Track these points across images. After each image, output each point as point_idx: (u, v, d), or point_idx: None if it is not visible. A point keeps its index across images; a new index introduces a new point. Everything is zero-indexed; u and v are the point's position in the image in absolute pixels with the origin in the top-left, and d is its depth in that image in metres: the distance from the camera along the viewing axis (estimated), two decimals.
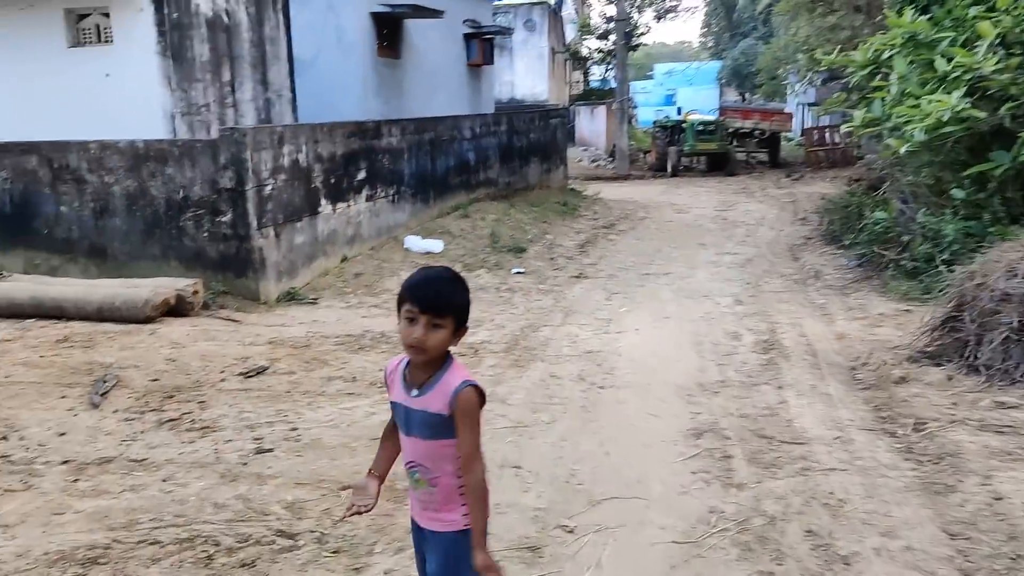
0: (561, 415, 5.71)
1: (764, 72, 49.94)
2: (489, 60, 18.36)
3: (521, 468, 4.81)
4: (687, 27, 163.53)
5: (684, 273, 11.14)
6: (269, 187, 8.26)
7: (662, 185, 24.11)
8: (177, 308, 7.60)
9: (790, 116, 32.60)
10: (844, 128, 10.79)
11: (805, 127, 31.85)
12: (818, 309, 8.85)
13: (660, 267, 11.56)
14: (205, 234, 8.20)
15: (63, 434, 5.23)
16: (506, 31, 18.84)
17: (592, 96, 33.71)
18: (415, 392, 2.40)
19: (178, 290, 7.59)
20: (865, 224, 11.77)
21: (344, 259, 9.69)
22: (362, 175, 10.10)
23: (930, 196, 11.02)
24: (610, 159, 29.05)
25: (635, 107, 37.98)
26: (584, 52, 37.25)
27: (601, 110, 31.20)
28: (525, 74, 29.77)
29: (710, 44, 69.82)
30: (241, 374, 6.26)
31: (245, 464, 4.81)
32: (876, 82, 11.83)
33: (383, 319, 8.20)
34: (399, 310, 2.38)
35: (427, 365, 2.38)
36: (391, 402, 2.52)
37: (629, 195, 21.09)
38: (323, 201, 9.26)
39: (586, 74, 37.44)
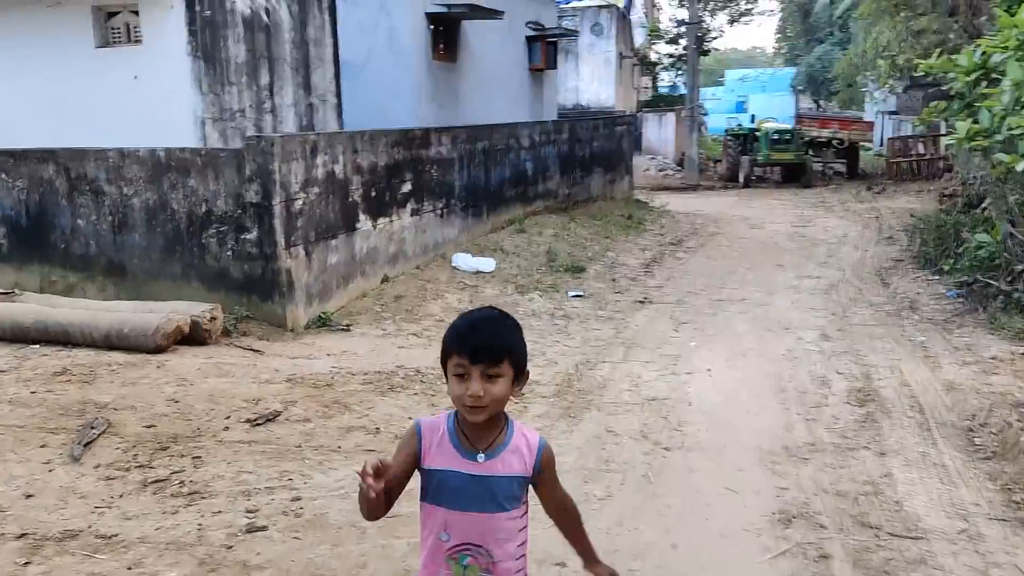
0: (619, 487, 4.74)
1: (841, 79, 48.13)
2: (552, 64, 17.46)
3: (566, 567, 3.86)
4: (760, 32, 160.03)
5: (761, 299, 10.04)
6: (300, 201, 7.47)
7: (733, 197, 22.85)
8: (192, 336, 6.86)
9: (870, 125, 30.97)
10: (946, 141, 9.51)
11: (888, 137, 30.10)
12: (918, 348, 7.68)
13: (734, 291, 10.47)
14: (229, 253, 7.45)
15: (30, 496, 4.47)
16: (571, 34, 17.90)
17: (660, 103, 32.50)
18: (482, 456, 2.10)
19: (193, 316, 6.84)
20: (966, 248, 10.50)
21: (385, 279, 8.87)
22: (407, 187, 9.28)
23: None
24: (679, 168, 27.86)
25: (705, 114, 36.64)
26: (653, 57, 36.08)
27: (670, 117, 30.02)
28: (591, 80, 28.77)
29: (784, 50, 67.81)
30: (249, 421, 5.45)
31: (231, 547, 3.97)
32: (982, 89, 10.55)
33: (421, 351, 7.34)
34: (445, 367, 2.08)
35: (491, 423, 2.10)
36: (432, 470, 2.12)
37: (698, 207, 19.93)
38: (362, 216, 8.46)
39: (655, 80, 36.26)
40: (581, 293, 9.85)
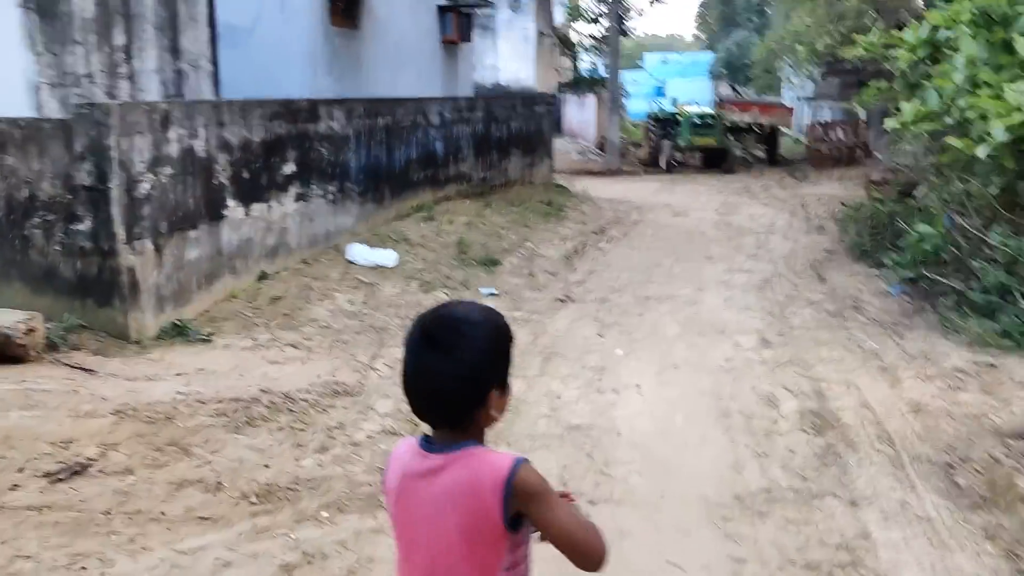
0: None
1: (759, 64, 48.20)
2: (466, 37, 16.22)
3: None
4: (679, 19, 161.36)
5: (691, 296, 9.08)
6: (146, 184, 6.11)
7: (656, 182, 22.03)
8: (3, 353, 5.45)
9: (790, 110, 30.64)
10: (889, 124, 8.66)
11: (807, 122, 29.85)
12: (871, 357, 6.80)
13: (661, 287, 9.49)
14: (58, 247, 6.04)
15: None
16: (486, 4, 16.67)
17: (581, 84, 31.53)
18: None
19: (3, 328, 5.44)
20: (908, 241, 9.76)
21: (262, 277, 7.56)
22: (290, 168, 7.96)
23: (998, 210, 9.00)
24: (600, 152, 26.97)
25: (626, 97, 35.89)
26: (574, 38, 35.09)
27: (591, 99, 29.08)
28: (510, 58, 27.56)
29: (703, 36, 67.96)
30: (48, 475, 4.14)
31: None
32: (926, 69, 9.79)
33: (296, 366, 6.09)
34: None
35: None
36: None
37: (621, 193, 19.01)
38: (231, 202, 7.12)
39: (575, 61, 35.25)
40: (495, 291, 8.72)
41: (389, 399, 5.47)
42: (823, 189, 20.17)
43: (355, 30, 12.46)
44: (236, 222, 7.15)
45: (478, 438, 1.72)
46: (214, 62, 9.21)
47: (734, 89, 54.61)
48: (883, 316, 8.17)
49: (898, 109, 12.18)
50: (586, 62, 35.62)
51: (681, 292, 9.29)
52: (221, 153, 6.96)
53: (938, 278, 8.72)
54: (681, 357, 6.88)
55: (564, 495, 1.77)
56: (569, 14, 31.97)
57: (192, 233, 6.63)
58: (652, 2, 32.47)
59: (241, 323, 6.80)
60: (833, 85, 41.36)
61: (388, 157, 10.16)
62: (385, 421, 5.15)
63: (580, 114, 28.91)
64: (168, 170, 6.31)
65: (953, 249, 9.07)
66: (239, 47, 11.21)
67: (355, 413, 5.28)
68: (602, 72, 29.18)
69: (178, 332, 6.36)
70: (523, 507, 1.65)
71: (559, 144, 26.11)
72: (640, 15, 31.77)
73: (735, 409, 5.65)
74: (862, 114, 28.14)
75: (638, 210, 16.30)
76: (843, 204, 15.11)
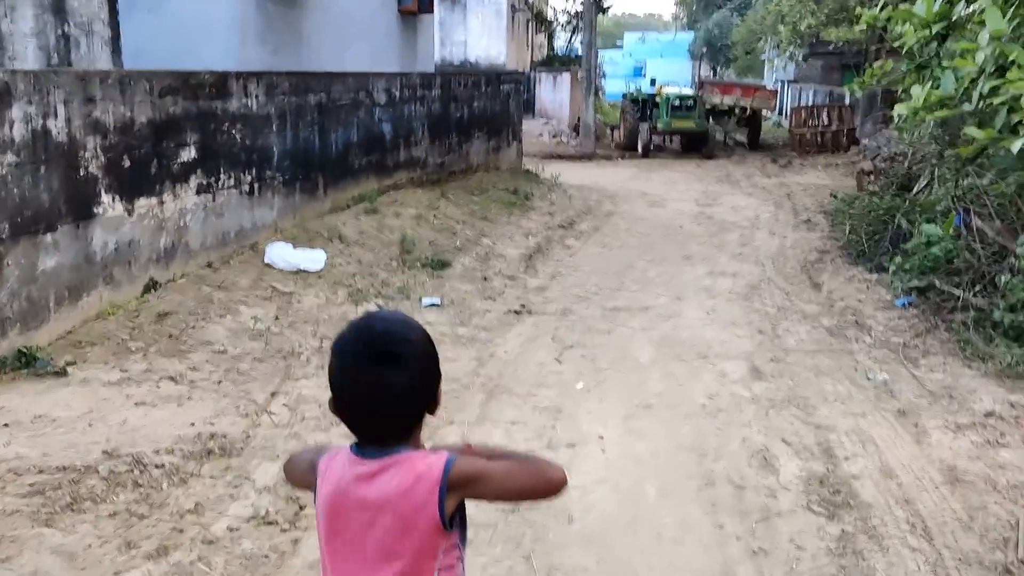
0: None
1: (739, 45, 47.02)
2: (427, 7, 14.82)
3: None
4: None
5: (668, 308, 7.86)
6: None
7: (632, 168, 20.78)
8: None
9: (774, 93, 29.43)
10: (898, 110, 7.36)
11: (791, 106, 28.69)
12: (884, 395, 5.62)
13: (633, 295, 8.26)
14: None
15: None
16: None
17: (555, 63, 30.16)
18: None
19: None
20: (916, 243, 8.59)
21: (151, 287, 6.22)
22: (190, 154, 6.61)
23: (1021, 211, 7.86)
24: (574, 134, 25.64)
25: (603, 77, 34.55)
26: (549, 14, 33.68)
27: (565, 78, 27.71)
28: (480, 33, 26.16)
29: (682, 15, 66.70)
30: None
31: None
32: (937, 48, 8.55)
33: (170, 410, 4.79)
34: None
35: None
36: None
37: (594, 179, 17.74)
38: (106, 198, 5.77)
39: (551, 38, 33.86)
40: (438, 301, 7.43)
41: (276, 462, 4.20)
42: (809, 178, 19.02)
43: None
44: (113, 221, 5.81)
45: (418, 437, 1.73)
46: (113, 26, 7.80)
47: (713, 71, 53.46)
48: (890, 335, 6.99)
49: (904, 93, 10.96)
50: (562, 40, 34.22)
51: (656, 302, 8.06)
52: (91, 136, 5.59)
53: (952, 290, 7.57)
54: (655, 392, 5.65)
55: (466, 447, 1.77)
56: None
57: (48, 237, 5.28)
58: None
59: (112, 348, 5.47)
60: (815, 67, 40.37)
61: (322, 141, 8.81)
62: (262, 500, 3.88)
63: (554, 94, 27.56)
64: (10, 158, 4.95)
65: (968, 255, 7.93)
66: (155, 12, 9.78)
67: (224, 486, 4.00)
68: (578, 51, 27.78)
69: (24, 362, 5.04)
70: (465, 495, 1.65)
71: (530, 126, 24.77)
72: None
73: (722, 474, 4.43)
74: (847, 98, 27.04)
75: (611, 199, 15.04)
76: (833, 196, 13.94)
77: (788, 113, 33.67)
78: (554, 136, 25.31)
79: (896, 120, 8.44)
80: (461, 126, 13.33)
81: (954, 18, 7.83)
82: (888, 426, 5.08)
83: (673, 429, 5.03)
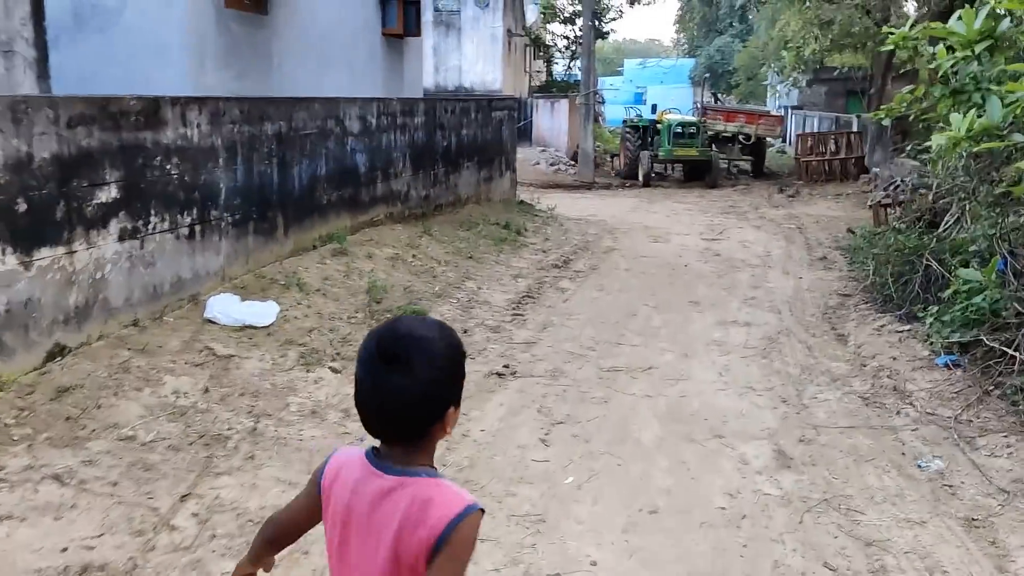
0: None
1: (742, 71, 46.32)
2: (413, 30, 13.90)
3: None
4: (659, 23, 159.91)
5: (674, 367, 6.80)
6: None
7: (633, 198, 19.82)
8: None
9: (779, 119, 28.56)
10: (936, 140, 6.31)
11: (797, 133, 27.78)
12: (943, 493, 4.57)
13: (635, 352, 7.20)
14: None
15: None
16: None
17: (554, 89, 29.32)
18: None
19: None
20: (953, 291, 7.54)
21: (57, 354, 5.18)
22: (111, 194, 5.59)
23: None
24: (572, 163, 24.72)
25: (602, 102, 33.71)
26: (547, 39, 32.91)
27: (563, 104, 26.83)
28: (475, 59, 25.32)
29: (682, 41, 66.23)
30: None
31: None
32: (975, 70, 7.55)
33: (41, 528, 3.74)
34: None
35: None
36: None
37: (593, 211, 16.76)
38: None
39: (549, 64, 33.07)
40: None
41: None
42: (819, 209, 18.05)
43: (262, 15, 10.10)
44: (3, 278, 4.78)
45: (430, 454, 1.73)
46: (40, 47, 6.82)
47: (715, 97, 52.79)
48: (936, 404, 5.93)
49: (943, 121, 10.00)
50: (560, 65, 33.43)
51: (661, 359, 7.01)
52: None
53: (1006, 350, 6.51)
54: (662, 488, 4.59)
55: None
56: (543, 13, 29.73)
57: None
58: (632, 2, 30.18)
59: None
60: (819, 94, 39.63)
61: (282, 174, 7.79)
62: None
63: (552, 120, 26.66)
64: None
65: (1018, 306, 6.88)
66: (104, 32, 8.85)
67: None
68: (578, 77, 26.92)
69: None
70: (439, 550, 1.61)
71: (527, 154, 23.87)
72: (620, 15, 29.61)
73: None
74: (854, 124, 26.14)
75: (611, 233, 14.04)
76: (851, 231, 12.94)
77: (793, 140, 32.82)
78: (552, 164, 24.38)
79: (936, 150, 7.39)
80: (448, 155, 12.35)
81: (997, 36, 6.81)
82: (957, 542, 4.01)
83: (686, 548, 3.97)
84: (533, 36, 30.04)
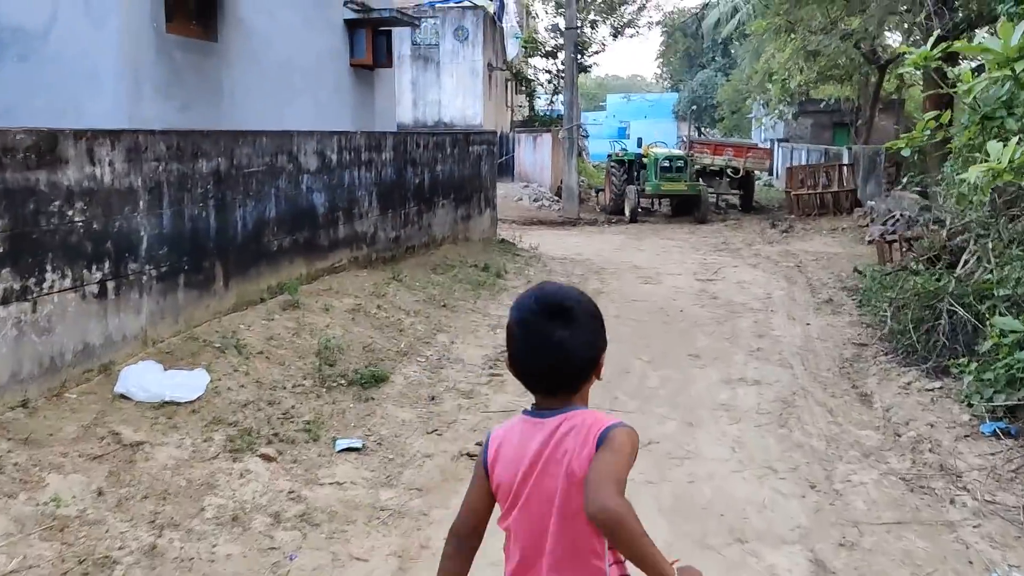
0: None
1: (726, 104, 45.89)
2: (384, 61, 13.00)
3: None
4: (641, 59, 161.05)
5: (678, 442, 5.78)
6: None
7: (620, 235, 18.91)
8: None
9: (767, 152, 27.85)
10: (973, 173, 5.29)
11: (787, 166, 27.07)
12: None
13: (631, 421, 6.09)
14: None
15: None
16: (408, 22, 13.45)
17: (536, 123, 28.56)
18: None
19: None
20: (992, 343, 6.56)
21: None
22: None
23: None
24: (557, 199, 23.85)
25: (586, 136, 33.02)
26: (530, 73, 32.25)
27: (546, 139, 26.03)
28: (455, 93, 24.50)
29: (665, 76, 66.10)
30: None
31: None
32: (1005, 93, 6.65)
33: None
34: None
35: None
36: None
37: (579, 249, 15.82)
38: None
39: (532, 98, 32.37)
40: (359, 444, 5.33)
41: None
42: (816, 244, 17.18)
43: (210, 42, 9.15)
44: None
45: (584, 400, 1.92)
46: None
47: (699, 131, 52.34)
48: (995, 489, 4.94)
49: (967, 151, 9.14)
50: (543, 99, 32.73)
51: (662, 430, 5.99)
52: None
53: None
54: None
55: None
56: (524, 46, 29.05)
57: None
58: (615, 35, 29.56)
59: None
60: (805, 126, 39.12)
61: (222, 219, 6.78)
62: None
63: (534, 155, 25.83)
64: None
65: None
66: (27, 60, 7.88)
67: None
68: (561, 112, 26.15)
69: None
70: (597, 451, 1.76)
71: (509, 189, 22.99)
72: (603, 48, 29.02)
73: None
74: (846, 157, 25.45)
75: (598, 274, 13.07)
76: (858, 271, 12.03)
77: (780, 173, 32.17)
78: (535, 200, 23.50)
79: (972, 181, 6.46)
80: (421, 193, 11.39)
81: None
82: None
83: None
84: (514, 70, 29.32)
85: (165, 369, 5.61)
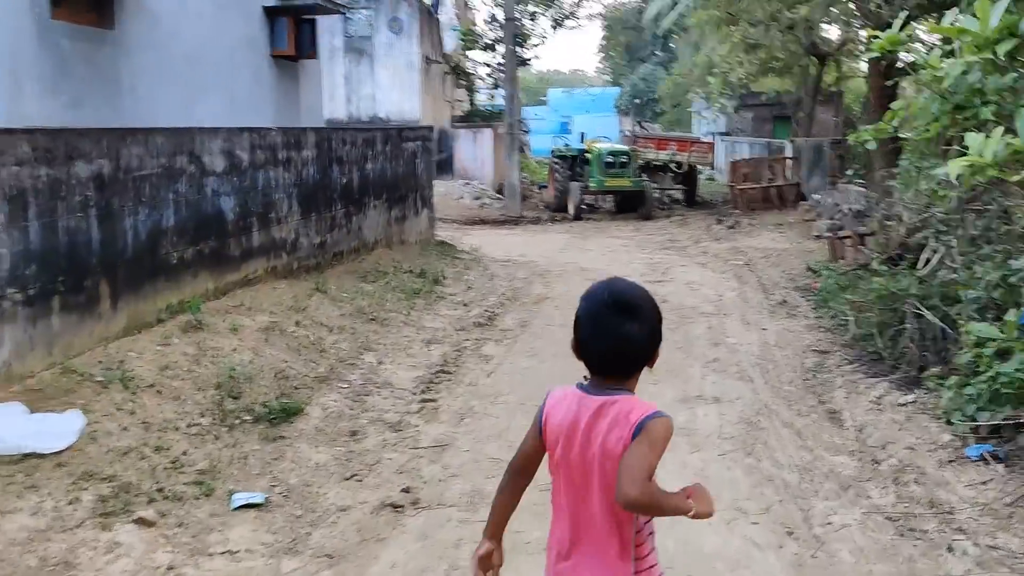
0: None
1: (667, 99, 45.66)
2: (309, 51, 12.10)
3: None
4: (582, 54, 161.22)
5: None
6: None
7: (564, 233, 18.26)
8: None
9: (710, 146, 27.49)
10: (955, 167, 4.62)
11: (731, 160, 26.74)
12: None
13: None
14: None
15: None
16: (335, 9, 12.54)
17: (476, 119, 27.76)
18: None
19: None
20: (968, 353, 6.00)
21: None
22: None
23: None
24: (499, 196, 23.10)
25: (528, 132, 32.33)
26: (469, 67, 31.42)
27: (487, 134, 25.25)
28: (390, 87, 23.58)
29: (606, 70, 65.88)
30: None
31: None
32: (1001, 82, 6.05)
33: None
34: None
35: None
36: None
37: (521, 250, 15.10)
38: None
39: (471, 92, 31.56)
40: (260, 498, 4.50)
41: None
42: (763, 241, 16.72)
43: (105, 30, 8.18)
44: None
45: (634, 385, 2.18)
46: None
47: (640, 125, 52.13)
48: (993, 527, 4.34)
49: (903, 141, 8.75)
50: (483, 94, 31.93)
51: None
52: None
53: None
54: None
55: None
56: (462, 39, 28.20)
57: None
58: (556, 26, 28.91)
59: None
60: (746, 120, 38.99)
61: (107, 230, 5.87)
62: None
63: (475, 151, 25.04)
64: None
65: None
66: None
67: None
68: (502, 106, 25.41)
69: None
70: (635, 437, 2.04)
71: (449, 187, 22.17)
72: (543, 41, 28.28)
73: None
74: (788, 150, 25.20)
75: (542, 277, 12.37)
76: (812, 270, 11.53)
77: (723, 167, 31.93)
78: (476, 198, 22.71)
79: (956, 174, 5.78)
80: (350, 194, 10.53)
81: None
82: None
83: None
84: (453, 64, 28.47)
85: (31, 412, 4.71)
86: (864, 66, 28.15)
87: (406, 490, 4.76)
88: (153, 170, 6.43)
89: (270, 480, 4.75)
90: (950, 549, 4.16)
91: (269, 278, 8.35)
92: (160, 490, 4.40)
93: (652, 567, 2.18)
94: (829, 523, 4.49)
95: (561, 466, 2.16)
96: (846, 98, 36.11)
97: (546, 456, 2.25)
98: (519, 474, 2.34)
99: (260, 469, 4.86)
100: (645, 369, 2.17)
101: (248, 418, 5.40)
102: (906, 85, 20.21)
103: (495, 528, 2.34)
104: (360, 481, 4.88)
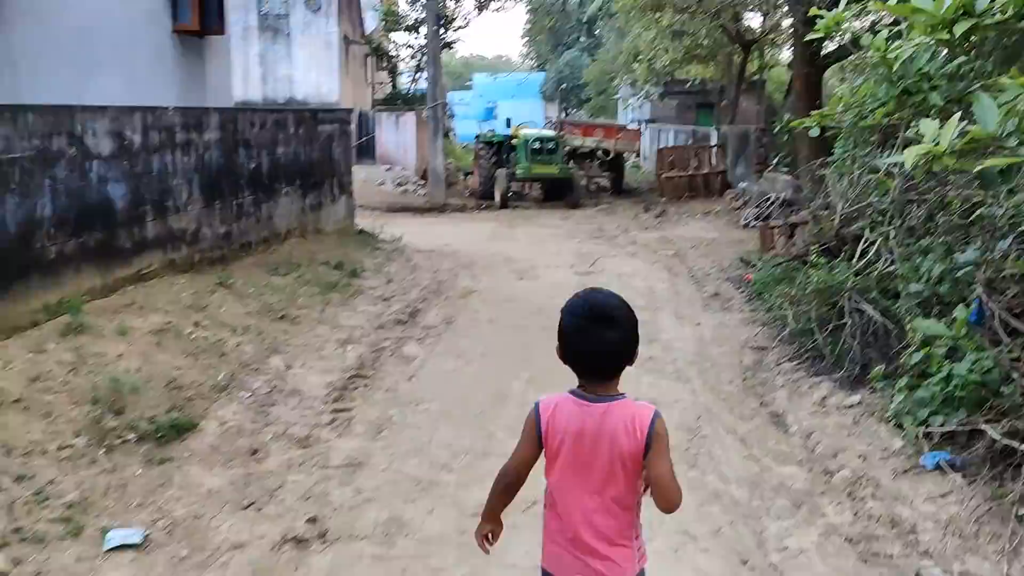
0: None
1: (592, 85, 45.43)
2: (215, 26, 11.21)
3: None
4: (506, 40, 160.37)
5: None
6: None
7: (491, 222, 17.71)
8: None
9: (637, 133, 27.27)
10: (910, 155, 4.20)
11: (658, 148, 26.54)
12: None
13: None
14: None
15: None
16: None
17: (399, 102, 26.93)
18: None
19: None
20: (918, 353, 5.68)
21: None
22: None
23: None
24: (422, 182, 22.40)
25: (452, 116, 31.61)
26: (391, 49, 30.51)
27: (410, 118, 24.47)
28: (308, 68, 22.59)
29: (531, 56, 65.39)
30: None
31: None
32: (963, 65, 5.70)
33: None
34: None
35: None
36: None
37: (447, 239, 14.48)
38: None
39: (394, 75, 30.66)
40: (138, 537, 3.84)
41: None
42: (691, 230, 16.50)
43: None
44: None
45: (617, 384, 2.41)
46: None
47: (565, 111, 51.82)
48: (959, 549, 4.03)
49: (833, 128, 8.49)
50: (406, 77, 31.07)
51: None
52: None
53: (1013, 444, 4.66)
54: None
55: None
56: (384, 19, 27.29)
57: None
58: (479, 9, 28.21)
59: None
60: (670, 107, 39.02)
61: None
62: None
63: (397, 135, 24.24)
64: None
65: (1019, 377, 5.08)
66: None
67: None
68: (424, 89, 24.64)
69: None
70: (651, 444, 2.32)
71: (371, 173, 21.39)
72: (466, 24, 27.66)
73: None
74: (714, 138, 25.15)
75: (469, 269, 11.80)
76: (744, 261, 11.25)
77: (649, 155, 31.80)
78: (399, 185, 21.98)
79: (912, 164, 5.39)
80: (259, 180, 9.76)
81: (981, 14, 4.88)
82: None
83: None
84: (374, 45, 27.54)
85: None
86: (787, 55, 28.41)
87: (312, 520, 4.16)
88: (23, 153, 5.62)
89: (153, 512, 4.09)
90: (912, 563, 3.79)
91: (167, 272, 7.58)
92: (17, 530, 3.71)
93: (643, 546, 2.50)
94: (785, 547, 4.07)
95: (568, 466, 2.37)
96: (768, 87, 36.42)
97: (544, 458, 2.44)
98: (514, 484, 2.51)
99: (142, 499, 4.19)
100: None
101: (131, 437, 4.71)
102: (829, 73, 20.31)
103: (492, 514, 2.57)
104: (259, 511, 4.26)
